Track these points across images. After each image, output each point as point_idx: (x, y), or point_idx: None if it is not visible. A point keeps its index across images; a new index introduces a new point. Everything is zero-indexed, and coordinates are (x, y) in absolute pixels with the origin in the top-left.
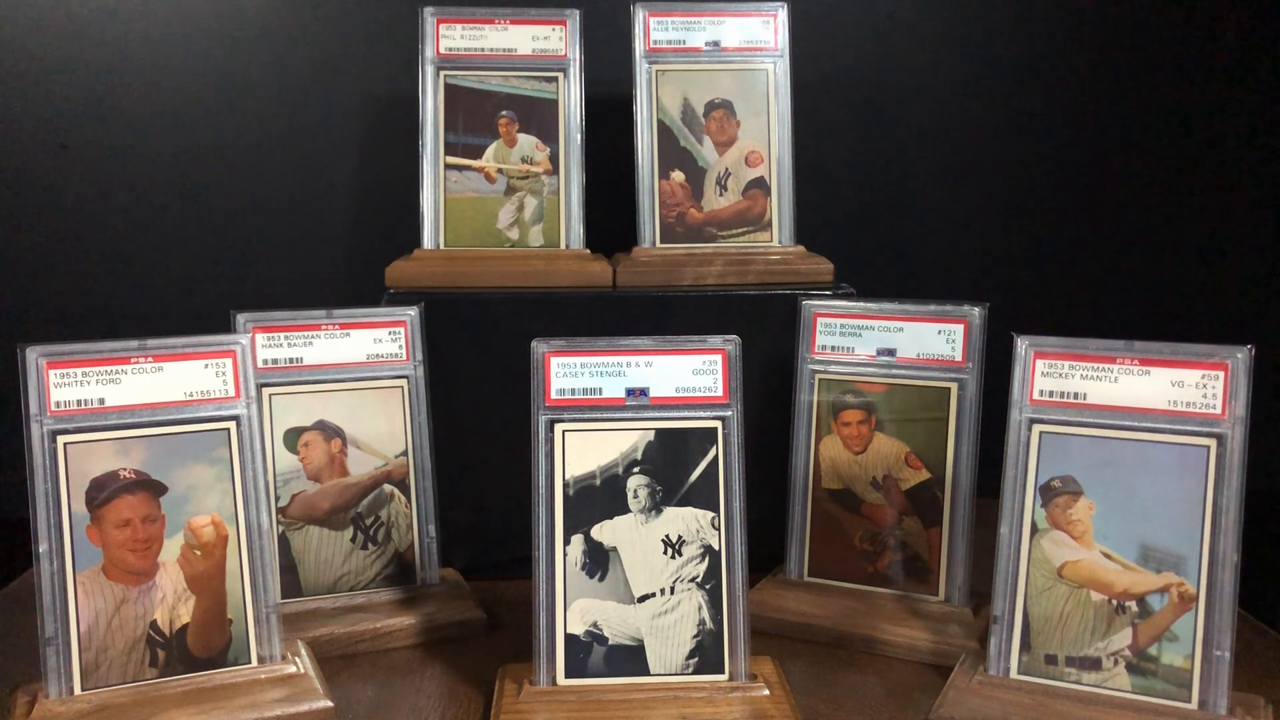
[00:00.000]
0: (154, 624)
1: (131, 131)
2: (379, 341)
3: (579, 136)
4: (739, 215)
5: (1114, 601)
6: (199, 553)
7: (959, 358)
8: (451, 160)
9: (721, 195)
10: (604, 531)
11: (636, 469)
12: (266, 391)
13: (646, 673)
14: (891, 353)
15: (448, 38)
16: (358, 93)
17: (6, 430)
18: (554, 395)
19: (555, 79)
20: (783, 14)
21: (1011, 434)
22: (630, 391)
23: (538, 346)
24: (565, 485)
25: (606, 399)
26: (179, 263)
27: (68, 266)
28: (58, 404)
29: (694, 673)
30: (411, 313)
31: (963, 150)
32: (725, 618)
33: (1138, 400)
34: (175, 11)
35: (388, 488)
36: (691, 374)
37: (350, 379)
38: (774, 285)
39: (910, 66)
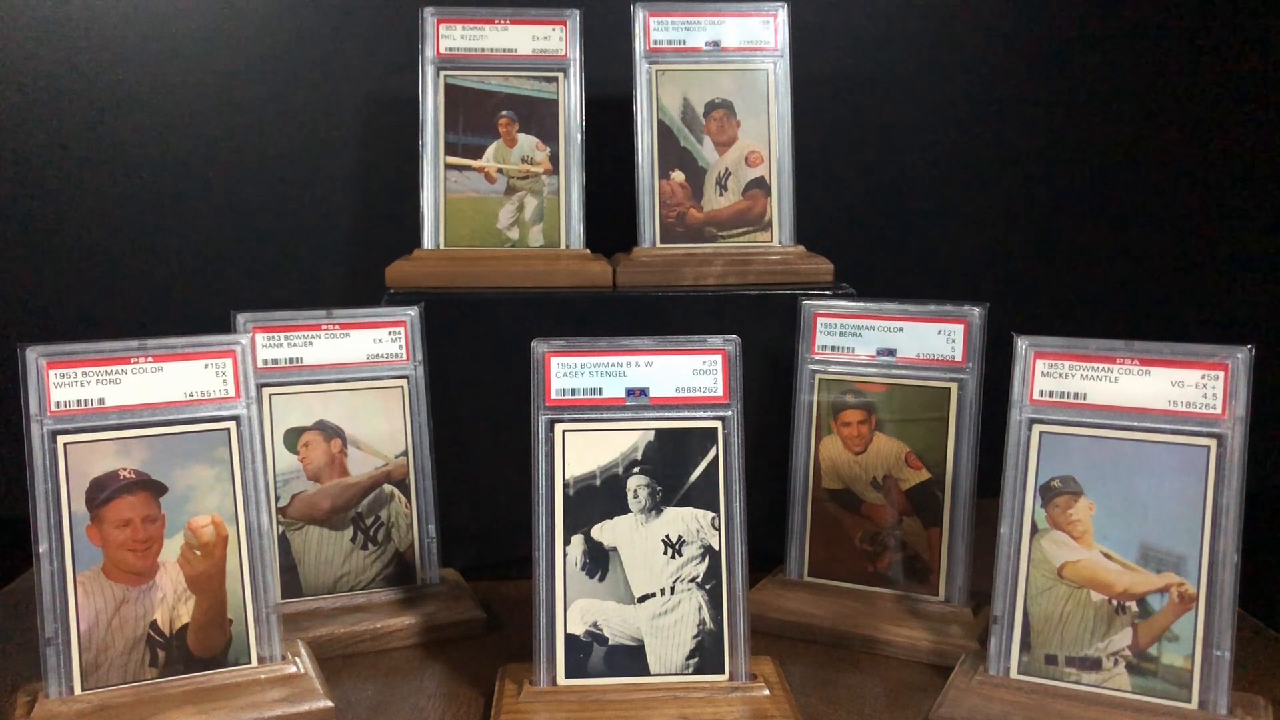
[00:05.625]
0: (154, 624)
1: (131, 131)
2: (379, 341)
3: (579, 136)
4: (739, 215)
5: (1114, 601)
6: (199, 553)
7: (959, 358)
8: (451, 160)
9: (721, 195)
10: (604, 531)
11: (636, 469)
12: (266, 391)
13: (646, 673)
14: (891, 353)
15: (448, 38)
16: (358, 93)
17: (6, 430)
18: (554, 395)
19: (555, 79)
20: (783, 14)
21: (1011, 434)
22: (630, 391)
23: (538, 346)
24: (565, 485)
25: (606, 399)
26: (179, 263)
27: (68, 266)
28: (58, 404)
29: (694, 673)
30: (411, 313)
31: (963, 150)
32: (725, 618)
33: (1138, 400)
34: (175, 11)
35: (388, 488)
36: (691, 374)
37: (350, 379)
38: (774, 285)
39: (910, 66)
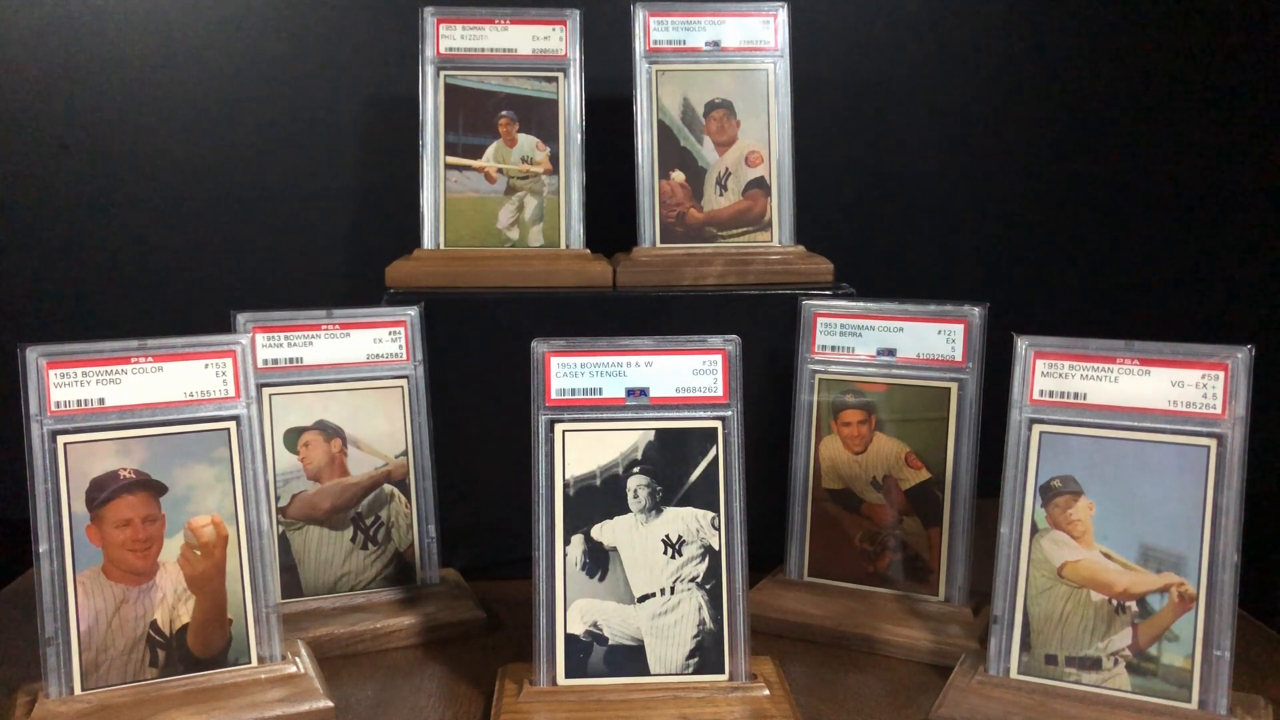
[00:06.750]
0: (154, 624)
1: (131, 131)
2: (379, 341)
3: (579, 136)
4: (739, 215)
5: (1114, 601)
6: (199, 553)
7: (959, 358)
8: (452, 160)
9: (721, 195)
10: (604, 531)
11: (636, 469)
12: (266, 391)
13: (646, 673)
14: (891, 353)
15: (448, 38)
16: (358, 93)
17: (6, 430)
18: (554, 395)
19: (555, 79)
20: (783, 14)
21: (1011, 434)
22: (630, 391)
23: (538, 346)
24: (565, 485)
25: (606, 399)
26: (179, 263)
27: (68, 266)
28: (58, 404)
29: (694, 673)
30: (411, 313)
31: (962, 150)
32: (725, 618)
33: (1138, 400)
34: (176, 12)
35: (388, 488)
36: (691, 374)
37: (350, 379)
38: (774, 285)
39: (910, 66)
